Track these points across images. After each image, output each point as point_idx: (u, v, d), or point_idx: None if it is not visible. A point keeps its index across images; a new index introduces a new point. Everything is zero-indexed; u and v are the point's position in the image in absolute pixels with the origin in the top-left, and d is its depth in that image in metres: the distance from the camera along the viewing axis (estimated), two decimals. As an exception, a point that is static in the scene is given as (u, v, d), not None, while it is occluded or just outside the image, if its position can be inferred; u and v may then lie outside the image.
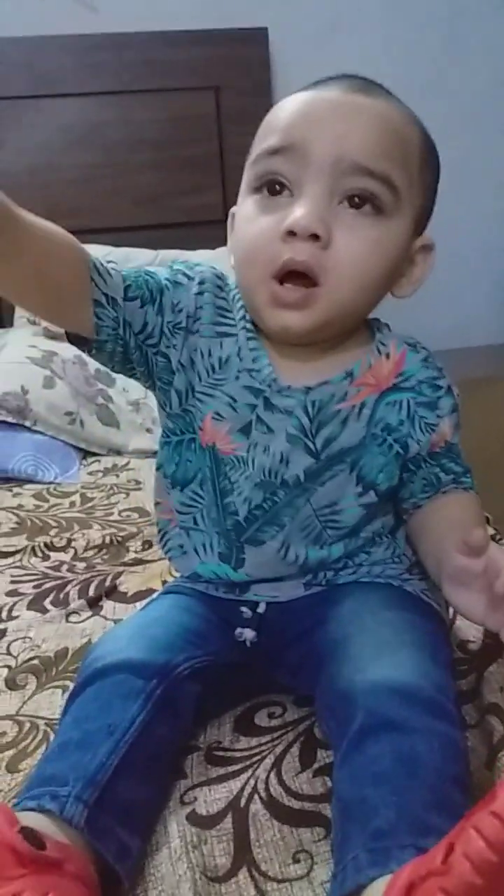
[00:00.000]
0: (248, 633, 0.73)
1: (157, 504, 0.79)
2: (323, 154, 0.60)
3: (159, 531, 0.79)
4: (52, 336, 1.71)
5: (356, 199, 0.60)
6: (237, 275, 0.67)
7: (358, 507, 0.70)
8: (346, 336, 0.68)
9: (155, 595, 0.81)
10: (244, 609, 0.73)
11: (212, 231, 1.96)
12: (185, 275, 0.69)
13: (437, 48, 2.14)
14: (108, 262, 0.65)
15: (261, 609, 0.73)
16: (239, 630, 0.73)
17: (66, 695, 0.68)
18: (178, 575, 0.82)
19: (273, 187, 0.62)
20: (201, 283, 0.69)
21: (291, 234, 0.59)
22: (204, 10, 2.00)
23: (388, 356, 0.69)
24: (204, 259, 1.95)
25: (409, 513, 0.74)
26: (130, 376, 0.72)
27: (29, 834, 0.48)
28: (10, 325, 1.96)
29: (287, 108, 0.63)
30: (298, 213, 0.59)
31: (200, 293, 0.69)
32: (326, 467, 0.69)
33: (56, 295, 0.62)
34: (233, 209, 0.69)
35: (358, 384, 0.68)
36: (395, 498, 0.74)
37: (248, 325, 0.69)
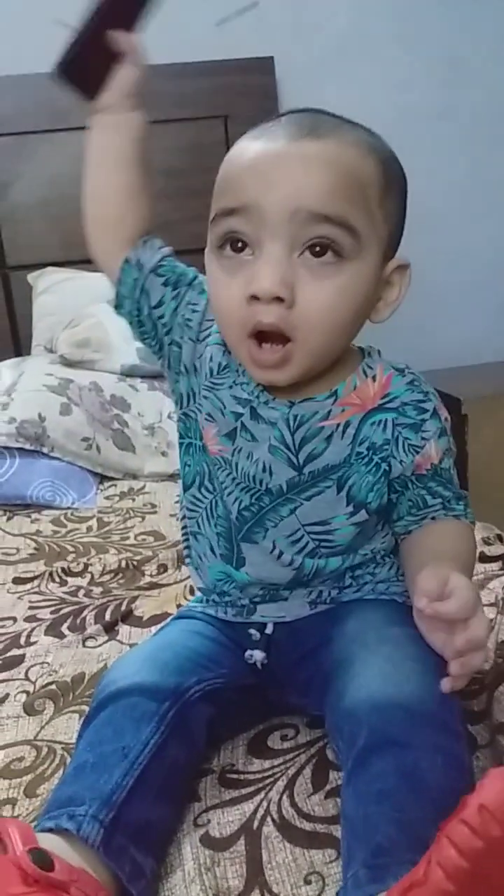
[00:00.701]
0: (258, 655, 0.74)
1: (182, 517, 0.81)
2: (278, 210, 0.59)
3: (183, 541, 0.81)
4: (69, 364, 1.74)
5: (317, 248, 0.60)
6: (221, 333, 0.69)
7: (350, 525, 0.71)
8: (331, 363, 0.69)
9: (167, 621, 0.83)
10: (252, 631, 0.75)
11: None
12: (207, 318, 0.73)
13: (441, 74, 2.16)
14: (161, 247, 0.74)
15: (268, 630, 0.74)
16: (248, 652, 0.74)
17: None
18: (191, 598, 0.83)
19: (235, 245, 0.62)
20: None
21: (255, 298, 0.60)
22: (211, 41, 2.05)
23: (374, 378, 0.70)
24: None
25: (400, 537, 0.75)
26: (149, 348, 0.76)
27: (38, 855, 0.50)
28: (28, 352, 2.01)
29: (237, 164, 0.62)
30: (260, 277, 0.59)
31: (212, 323, 0.72)
32: (311, 483, 0.70)
33: (106, 222, 0.77)
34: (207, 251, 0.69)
35: (342, 404, 0.69)
36: (388, 520, 0.75)
37: None
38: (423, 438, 0.70)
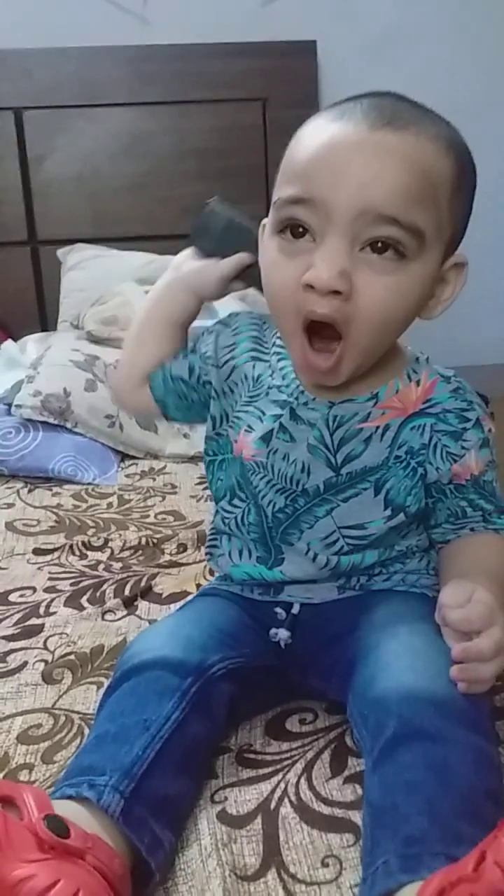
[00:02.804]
0: (283, 634, 0.74)
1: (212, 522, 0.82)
2: (346, 208, 0.57)
3: (209, 541, 0.82)
4: (95, 340, 1.74)
5: (379, 245, 0.59)
6: (273, 317, 0.68)
7: (388, 528, 0.71)
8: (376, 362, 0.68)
9: (191, 596, 0.83)
10: (278, 610, 0.75)
11: (254, 241, 1.99)
12: (221, 323, 0.78)
13: (489, 64, 2.13)
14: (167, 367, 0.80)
15: (295, 610, 0.74)
16: (273, 630, 0.74)
17: (102, 691, 0.69)
18: (211, 579, 0.83)
19: (296, 230, 0.61)
20: (236, 326, 0.77)
21: (311, 287, 0.59)
22: (253, 22, 2.03)
23: (417, 383, 0.69)
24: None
25: (437, 545, 0.75)
26: (204, 419, 0.79)
27: (53, 821, 0.50)
28: (55, 328, 2.01)
29: (308, 150, 0.60)
30: (318, 268, 0.58)
31: (236, 331, 0.76)
32: (349, 484, 0.70)
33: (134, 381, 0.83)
34: (265, 221, 0.69)
35: (383, 406, 0.69)
36: (426, 525, 0.75)
37: (279, 347, 0.73)
38: (462, 448, 0.69)
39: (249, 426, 0.72)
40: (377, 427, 0.69)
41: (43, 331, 2.03)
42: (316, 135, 0.60)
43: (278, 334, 0.74)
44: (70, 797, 0.55)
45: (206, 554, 0.82)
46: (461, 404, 0.69)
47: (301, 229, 0.60)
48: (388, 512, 0.70)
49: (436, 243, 0.61)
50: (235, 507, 0.76)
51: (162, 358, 0.80)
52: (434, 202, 0.60)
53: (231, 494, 0.76)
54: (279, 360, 0.73)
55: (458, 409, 0.69)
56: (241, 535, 0.76)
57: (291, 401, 0.70)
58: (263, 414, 0.72)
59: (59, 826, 0.50)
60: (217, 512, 0.79)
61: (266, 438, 0.71)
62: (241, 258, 0.76)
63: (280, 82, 2.00)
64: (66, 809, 0.53)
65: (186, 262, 0.80)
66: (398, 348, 0.71)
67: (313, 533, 0.71)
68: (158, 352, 0.80)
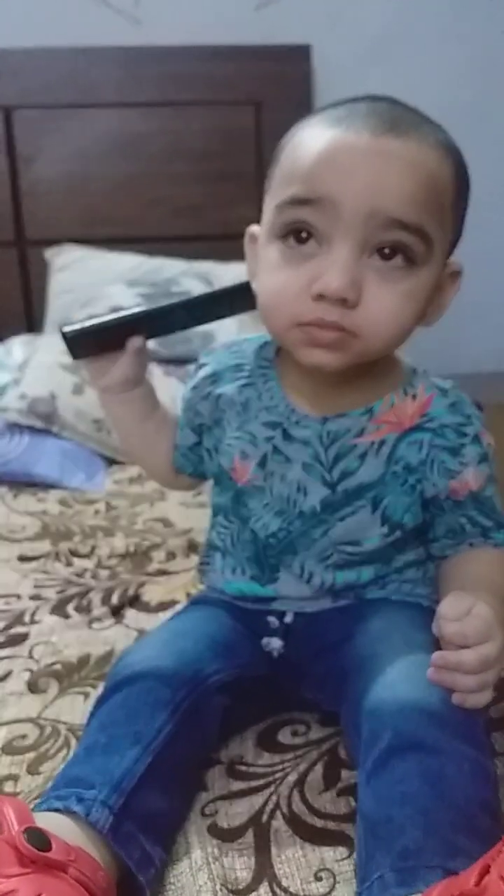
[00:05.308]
0: (275, 643, 0.73)
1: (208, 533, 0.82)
2: (355, 208, 0.57)
3: (204, 554, 0.82)
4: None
5: (386, 251, 0.58)
6: (262, 319, 0.66)
7: (385, 545, 0.70)
8: (369, 371, 0.67)
9: (184, 605, 0.82)
10: (271, 619, 0.74)
11: (245, 245, 1.98)
12: (198, 366, 0.77)
13: (484, 72, 2.14)
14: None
15: (288, 619, 0.73)
16: (266, 640, 0.73)
17: (89, 701, 0.68)
18: (202, 586, 0.82)
19: (299, 235, 0.60)
20: (213, 370, 0.75)
21: (321, 296, 0.58)
22: (247, 25, 2.03)
23: (414, 397, 0.68)
24: (236, 275, 1.96)
25: (436, 559, 0.74)
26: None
27: (34, 834, 0.48)
28: (42, 330, 1.99)
29: (312, 151, 0.59)
30: (329, 277, 0.57)
31: (216, 363, 0.75)
32: (345, 502, 0.69)
33: (147, 465, 0.86)
34: (251, 228, 0.68)
35: (378, 421, 0.68)
36: (423, 539, 0.74)
37: (263, 369, 0.72)
38: (461, 464, 0.68)
39: (243, 452, 0.71)
40: (372, 442, 0.68)
41: (30, 332, 2.01)
42: (317, 138, 0.59)
43: (263, 355, 0.73)
44: (58, 810, 0.54)
45: (199, 568, 0.82)
46: (459, 419, 0.68)
47: (304, 234, 0.59)
48: (385, 529, 0.69)
49: (440, 249, 0.61)
50: (231, 522, 0.75)
51: (168, 446, 0.80)
52: (439, 208, 0.59)
53: (224, 514, 0.76)
54: (265, 382, 0.72)
55: (455, 423, 0.68)
56: (236, 553, 0.75)
57: (282, 420, 0.69)
58: (255, 437, 0.71)
59: (39, 839, 0.48)
60: (213, 526, 0.78)
61: (262, 463, 0.70)
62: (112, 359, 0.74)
63: (274, 86, 1.99)
64: (50, 821, 0.52)
65: (92, 378, 0.78)
66: (395, 360, 0.70)
67: (309, 554, 0.71)
68: (161, 445, 0.80)
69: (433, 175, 0.59)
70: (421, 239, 0.58)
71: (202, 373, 0.76)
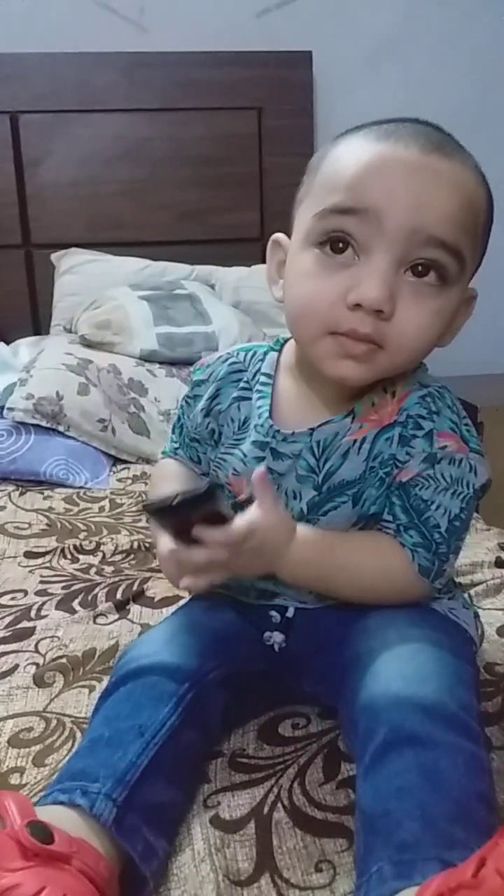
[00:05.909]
0: (277, 637, 0.74)
1: None
2: (399, 224, 0.57)
3: None
4: (88, 345, 1.74)
5: (420, 268, 0.59)
6: (290, 326, 0.67)
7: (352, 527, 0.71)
8: None
9: (185, 600, 0.83)
10: (273, 613, 0.75)
11: (248, 249, 1.99)
12: (197, 384, 0.77)
13: (484, 78, 2.15)
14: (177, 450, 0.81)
15: (289, 613, 0.74)
16: (267, 634, 0.74)
17: (94, 694, 0.69)
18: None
19: (336, 244, 0.60)
20: (216, 377, 0.75)
21: (358, 306, 0.59)
22: (249, 32, 2.04)
23: (394, 394, 0.69)
24: (238, 277, 1.98)
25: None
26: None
27: (37, 827, 0.49)
28: (47, 332, 2.00)
29: (358, 162, 0.59)
30: (368, 287, 0.58)
31: (214, 377, 0.75)
32: (328, 499, 0.70)
33: None
34: (277, 236, 0.69)
35: (360, 420, 0.69)
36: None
37: (262, 385, 0.73)
38: (407, 454, 0.67)
39: (235, 469, 0.73)
40: (354, 440, 0.68)
41: (36, 334, 2.02)
42: (363, 150, 0.60)
43: (261, 369, 0.73)
44: (62, 803, 0.54)
45: None
46: (422, 411, 0.67)
47: (342, 244, 0.60)
48: (355, 519, 0.70)
49: (469, 271, 0.62)
50: None
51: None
52: (474, 231, 0.61)
53: None
54: (258, 399, 0.73)
55: (418, 415, 0.67)
56: None
57: (269, 440, 0.70)
58: (245, 457, 0.72)
59: (42, 832, 0.49)
60: None
61: None
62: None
63: (276, 92, 2.01)
64: (52, 814, 0.52)
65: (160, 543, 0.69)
66: None
67: None
68: None
69: (472, 198, 0.60)
70: (456, 259, 0.59)
71: (197, 391, 0.76)
